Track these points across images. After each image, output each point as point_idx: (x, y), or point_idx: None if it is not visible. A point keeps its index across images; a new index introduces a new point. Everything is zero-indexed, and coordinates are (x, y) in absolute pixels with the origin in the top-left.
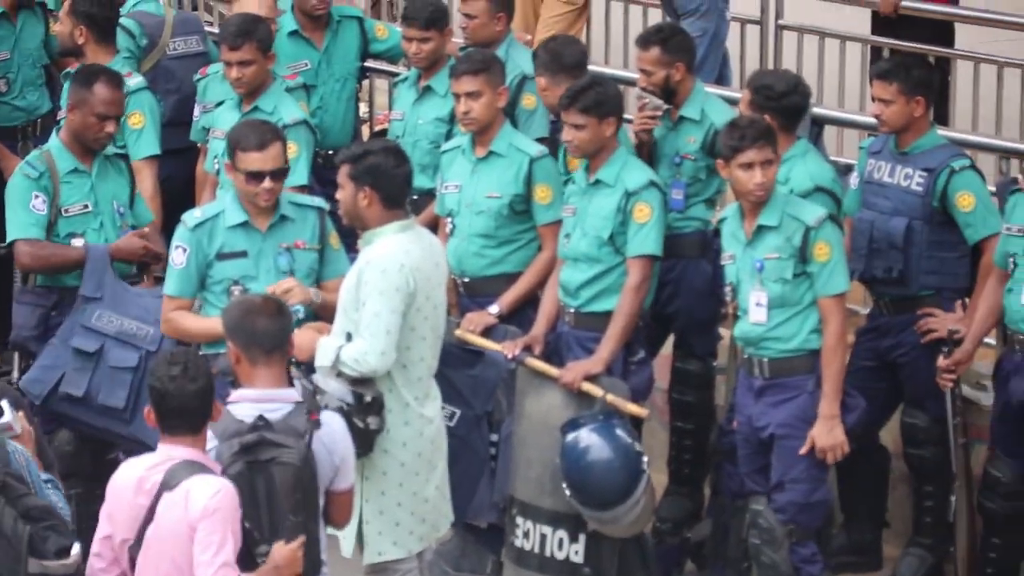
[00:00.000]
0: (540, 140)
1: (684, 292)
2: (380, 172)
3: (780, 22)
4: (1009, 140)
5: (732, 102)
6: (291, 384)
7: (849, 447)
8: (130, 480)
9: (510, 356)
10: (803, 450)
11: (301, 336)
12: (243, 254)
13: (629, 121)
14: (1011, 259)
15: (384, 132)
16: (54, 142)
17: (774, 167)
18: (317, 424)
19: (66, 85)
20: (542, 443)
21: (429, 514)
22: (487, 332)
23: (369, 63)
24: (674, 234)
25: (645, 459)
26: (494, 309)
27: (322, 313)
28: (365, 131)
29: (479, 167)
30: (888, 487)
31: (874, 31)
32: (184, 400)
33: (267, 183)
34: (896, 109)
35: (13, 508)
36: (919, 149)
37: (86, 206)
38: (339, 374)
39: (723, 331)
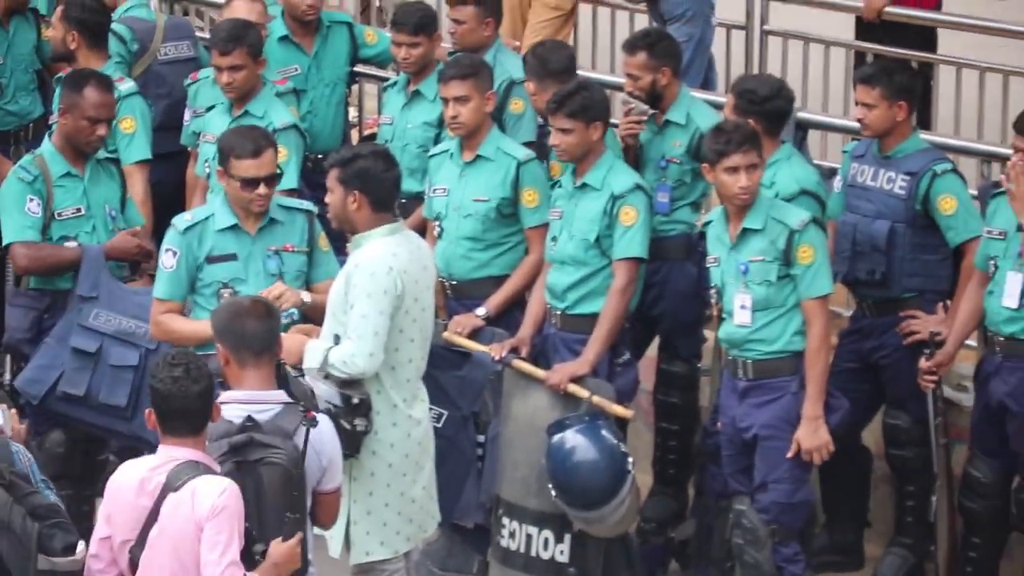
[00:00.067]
0: (527, 144)
1: (669, 294)
2: (369, 176)
3: (765, 27)
4: (990, 144)
5: (717, 106)
6: (280, 386)
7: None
8: (131, 481)
9: (497, 358)
10: (789, 453)
11: (289, 339)
12: (233, 257)
13: (615, 125)
14: (992, 262)
15: (373, 136)
16: (47, 146)
17: (759, 171)
18: (314, 422)
19: (58, 90)
20: (528, 444)
21: (416, 514)
22: (474, 334)
23: (358, 68)
24: (659, 237)
25: (630, 460)
26: (481, 311)
27: (312, 315)
28: (354, 135)
29: (467, 171)
30: (870, 487)
31: (858, 36)
32: (187, 402)
33: (262, 189)
34: (879, 113)
35: (21, 506)
36: (902, 153)
37: (79, 210)
38: (327, 376)
39: (708, 333)
